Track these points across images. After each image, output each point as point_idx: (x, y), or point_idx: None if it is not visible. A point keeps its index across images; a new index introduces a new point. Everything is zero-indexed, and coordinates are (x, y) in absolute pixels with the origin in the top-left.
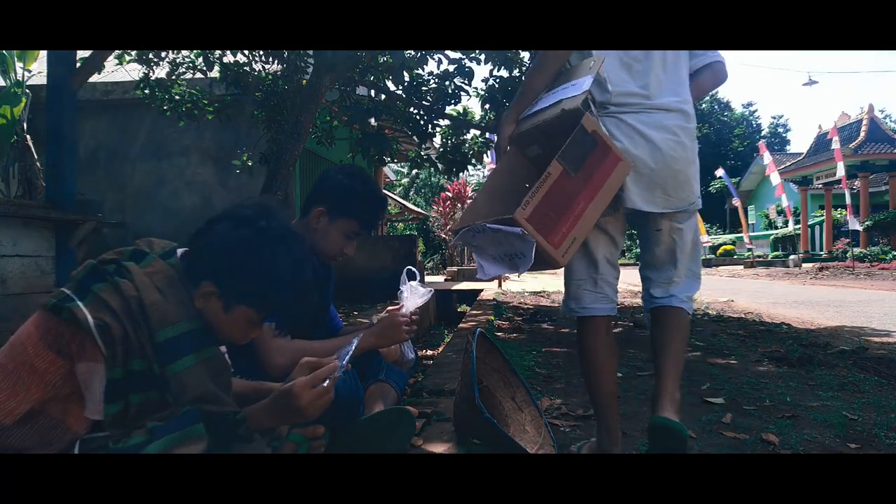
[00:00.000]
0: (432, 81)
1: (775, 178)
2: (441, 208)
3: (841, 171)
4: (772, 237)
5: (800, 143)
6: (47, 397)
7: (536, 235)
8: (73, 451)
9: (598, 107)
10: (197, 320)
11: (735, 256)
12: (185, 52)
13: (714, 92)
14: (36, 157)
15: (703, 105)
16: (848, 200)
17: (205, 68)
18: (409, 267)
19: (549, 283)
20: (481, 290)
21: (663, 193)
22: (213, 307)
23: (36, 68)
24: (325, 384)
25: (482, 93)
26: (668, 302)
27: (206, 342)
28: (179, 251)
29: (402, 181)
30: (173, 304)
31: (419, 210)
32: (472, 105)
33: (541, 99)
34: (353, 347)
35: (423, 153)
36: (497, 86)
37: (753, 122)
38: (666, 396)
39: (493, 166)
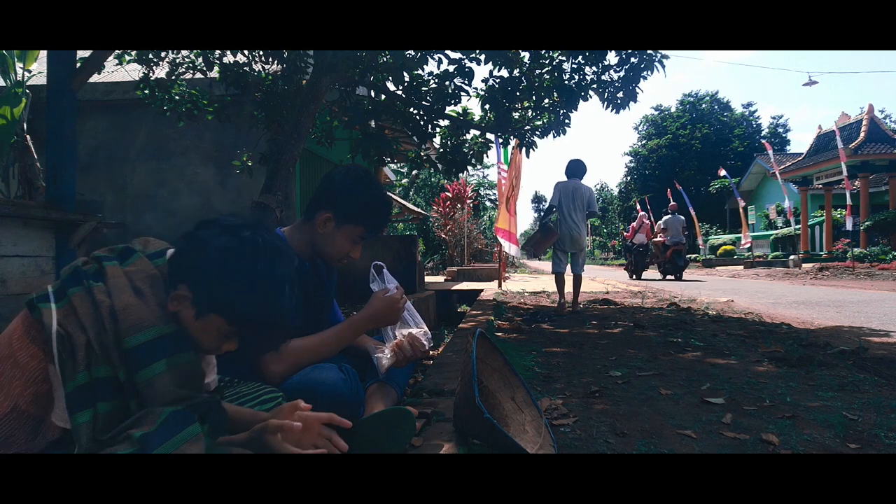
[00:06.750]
0: (432, 82)
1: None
2: (441, 208)
3: (845, 171)
4: (772, 237)
5: (800, 143)
6: (28, 392)
7: (529, 250)
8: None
9: (559, 220)
10: (173, 324)
11: (735, 256)
12: (185, 52)
13: (714, 92)
14: (36, 157)
15: (704, 105)
16: (848, 201)
17: (205, 68)
18: (376, 262)
19: (549, 285)
20: (481, 291)
21: (576, 246)
22: (186, 312)
23: (36, 68)
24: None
25: (482, 93)
26: (579, 272)
27: (181, 347)
28: (169, 252)
29: (402, 181)
30: (150, 306)
31: (419, 210)
32: (472, 105)
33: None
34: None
35: (422, 153)
36: (497, 86)
37: (753, 122)
38: (574, 301)
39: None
